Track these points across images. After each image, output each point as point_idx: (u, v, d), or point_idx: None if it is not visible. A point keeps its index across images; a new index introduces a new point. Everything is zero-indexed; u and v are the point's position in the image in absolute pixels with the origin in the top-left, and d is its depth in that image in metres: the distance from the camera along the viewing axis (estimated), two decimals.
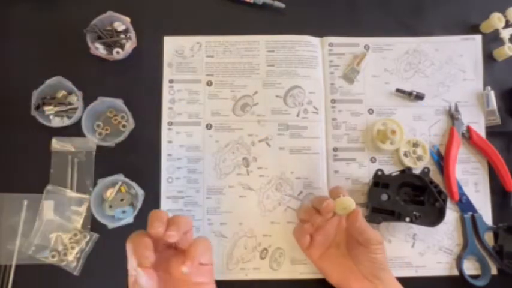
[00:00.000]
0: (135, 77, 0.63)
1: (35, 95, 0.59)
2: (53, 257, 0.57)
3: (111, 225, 0.56)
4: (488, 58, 0.65)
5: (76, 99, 0.60)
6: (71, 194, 0.59)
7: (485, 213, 0.61)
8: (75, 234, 0.58)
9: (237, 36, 0.64)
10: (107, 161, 0.60)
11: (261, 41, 0.64)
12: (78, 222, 0.58)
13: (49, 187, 0.58)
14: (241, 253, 0.59)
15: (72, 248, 0.57)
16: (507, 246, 0.58)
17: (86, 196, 0.59)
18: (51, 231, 0.58)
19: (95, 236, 0.58)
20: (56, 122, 0.60)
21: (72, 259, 0.57)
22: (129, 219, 0.57)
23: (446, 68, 0.64)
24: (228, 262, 0.59)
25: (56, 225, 0.58)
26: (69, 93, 0.61)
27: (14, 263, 0.57)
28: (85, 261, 0.58)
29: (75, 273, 0.57)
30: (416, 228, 0.59)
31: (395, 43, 0.65)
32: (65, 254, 0.57)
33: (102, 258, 0.58)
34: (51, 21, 0.64)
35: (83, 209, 0.59)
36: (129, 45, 0.62)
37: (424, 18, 0.66)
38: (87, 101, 0.60)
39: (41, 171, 0.59)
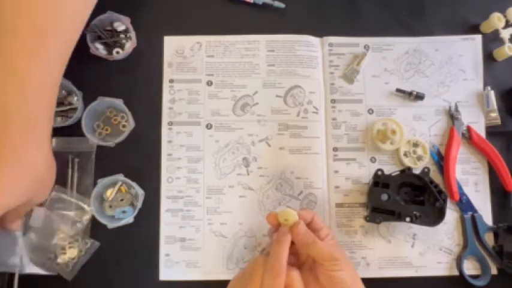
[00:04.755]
0: (135, 77, 0.63)
1: None
2: (49, 258, 0.57)
3: (111, 225, 0.56)
4: (488, 58, 0.65)
5: (76, 99, 0.60)
6: (71, 194, 0.59)
7: (485, 213, 0.61)
8: (76, 240, 0.57)
9: (237, 36, 0.64)
10: (107, 161, 0.60)
11: (261, 41, 0.64)
12: (79, 222, 0.58)
13: None
14: (241, 253, 0.59)
15: (71, 252, 0.57)
16: (507, 246, 0.58)
17: (86, 197, 0.58)
18: (51, 232, 0.57)
19: (96, 244, 0.57)
20: (56, 122, 0.60)
21: (66, 263, 0.57)
22: (129, 219, 0.57)
23: (446, 68, 0.64)
24: (228, 262, 0.59)
25: (57, 225, 0.58)
26: (69, 93, 0.61)
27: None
28: (80, 268, 0.57)
29: (68, 278, 0.56)
30: (416, 228, 0.59)
31: (395, 43, 0.65)
32: (62, 257, 0.57)
33: (97, 268, 0.57)
34: None
35: (82, 209, 0.58)
36: (129, 45, 0.62)
37: (424, 18, 0.66)
38: (87, 101, 0.60)
39: None
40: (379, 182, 0.58)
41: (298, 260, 0.53)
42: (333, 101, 0.63)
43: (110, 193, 0.59)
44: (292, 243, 0.53)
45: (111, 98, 0.59)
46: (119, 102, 0.59)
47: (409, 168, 0.58)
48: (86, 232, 0.58)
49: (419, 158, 0.61)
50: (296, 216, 0.48)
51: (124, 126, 0.61)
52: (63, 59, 0.49)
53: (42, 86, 0.47)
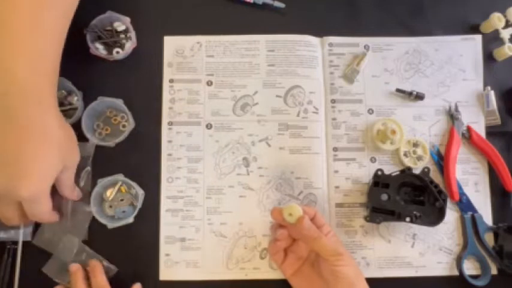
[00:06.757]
0: (135, 77, 0.63)
1: None
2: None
3: (111, 225, 0.56)
4: (488, 58, 0.65)
5: (76, 99, 0.60)
6: None
7: (485, 213, 0.61)
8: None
9: (237, 36, 0.64)
10: (107, 161, 0.60)
11: (261, 40, 0.64)
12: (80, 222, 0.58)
13: None
14: (241, 253, 0.59)
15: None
16: (507, 246, 0.58)
17: (86, 197, 0.58)
18: (62, 231, 0.57)
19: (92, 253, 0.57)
20: None
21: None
22: (129, 219, 0.57)
23: (446, 68, 0.64)
24: (228, 262, 0.59)
25: (65, 226, 0.57)
26: (69, 93, 0.61)
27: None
28: None
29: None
30: (416, 228, 0.59)
31: (395, 43, 0.65)
32: None
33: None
34: None
35: (83, 208, 0.58)
36: (129, 45, 0.62)
37: (424, 18, 0.66)
38: (87, 101, 0.60)
39: None
40: (379, 182, 0.58)
41: (299, 257, 0.53)
42: (333, 101, 0.63)
43: (110, 193, 0.59)
44: (294, 240, 0.54)
45: (111, 98, 0.59)
46: (119, 102, 0.59)
47: (409, 168, 0.58)
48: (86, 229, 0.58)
49: (419, 158, 0.61)
50: (301, 211, 0.49)
51: (124, 126, 0.61)
52: (61, 28, 0.50)
53: (44, 55, 0.48)
